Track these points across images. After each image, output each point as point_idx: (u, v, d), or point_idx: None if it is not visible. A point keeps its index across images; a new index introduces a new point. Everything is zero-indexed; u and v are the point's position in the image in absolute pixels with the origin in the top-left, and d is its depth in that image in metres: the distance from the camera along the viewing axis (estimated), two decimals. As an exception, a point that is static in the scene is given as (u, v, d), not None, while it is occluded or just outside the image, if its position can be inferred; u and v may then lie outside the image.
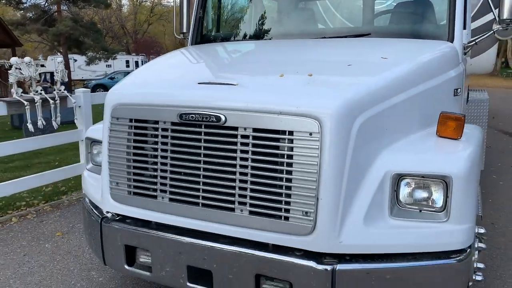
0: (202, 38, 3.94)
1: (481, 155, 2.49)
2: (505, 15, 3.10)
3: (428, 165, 2.13)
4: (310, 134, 2.05)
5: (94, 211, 2.79)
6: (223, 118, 2.20)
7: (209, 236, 2.32)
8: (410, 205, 2.17)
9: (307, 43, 3.12)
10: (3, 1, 28.49)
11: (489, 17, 7.02)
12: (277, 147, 2.13)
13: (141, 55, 45.01)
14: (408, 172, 2.14)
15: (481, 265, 2.69)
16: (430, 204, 2.15)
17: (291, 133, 2.08)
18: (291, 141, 2.09)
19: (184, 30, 4.16)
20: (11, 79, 5.02)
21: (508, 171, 6.76)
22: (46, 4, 30.24)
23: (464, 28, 3.14)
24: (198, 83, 2.41)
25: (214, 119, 2.21)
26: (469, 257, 2.20)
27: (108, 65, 39.33)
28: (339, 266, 2.06)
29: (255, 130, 2.15)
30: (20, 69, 5.05)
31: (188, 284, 2.39)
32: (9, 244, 4.18)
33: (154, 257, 2.47)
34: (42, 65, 28.75)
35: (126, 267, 2.60)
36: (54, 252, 3.97)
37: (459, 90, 2.93)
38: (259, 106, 2.15)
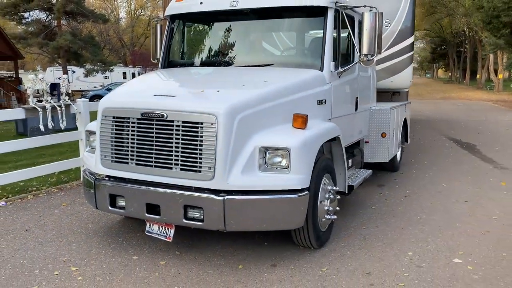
0: (169, 63, 5.61)
1: (318, 139, 4.08)
2: (364, 51, 4.74)
3: (279, 142, 3.79)
4: (212, 124, 3.70)
5: (90, 175, 4.42)
6: (165, 115, 3.84)
7: (158, 184, 3.94)
8: (271, 165, 3.81)
9: (228, 70, 4.81)
10: (7, 16, 30.26)
11: (406, 42, 8.75)
12: (195, 131, 3.76)
13: (138, 67, 46.49)
14: (269, 146, 3.80)
15: (331, 208, 4.33)
16: (282, 164, 3.79)
17: (202, 123, 3.73)
18: (202, 128, 3.73)
19: (158, 57, 5.84)
20: (29, 91, 6.68)
21: (426, 168, 8.37)
22: (47, 19, 32.07)
23: (334, 60, 4.80)
24: (154, 95, 4.07)
25: (161, 116, 3.85)
26: (305, 195, 3.83)
27: (106, 76, 40.89)
28: (227, 197, 3.70)
29: (183, 122, 3.79)
30: (35, 83, 6.71)
31: (146, 214, 4.02)
32: (28, 210, 5.79)
33: (127, 200, 4.09)
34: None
35: (110, 207, 4.22)
36: (61, 214, 5.59)
37: (323, 101, 4.60)
38: (185, 108, 3.81)
